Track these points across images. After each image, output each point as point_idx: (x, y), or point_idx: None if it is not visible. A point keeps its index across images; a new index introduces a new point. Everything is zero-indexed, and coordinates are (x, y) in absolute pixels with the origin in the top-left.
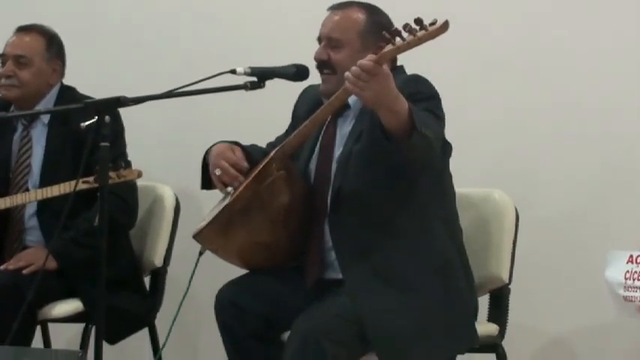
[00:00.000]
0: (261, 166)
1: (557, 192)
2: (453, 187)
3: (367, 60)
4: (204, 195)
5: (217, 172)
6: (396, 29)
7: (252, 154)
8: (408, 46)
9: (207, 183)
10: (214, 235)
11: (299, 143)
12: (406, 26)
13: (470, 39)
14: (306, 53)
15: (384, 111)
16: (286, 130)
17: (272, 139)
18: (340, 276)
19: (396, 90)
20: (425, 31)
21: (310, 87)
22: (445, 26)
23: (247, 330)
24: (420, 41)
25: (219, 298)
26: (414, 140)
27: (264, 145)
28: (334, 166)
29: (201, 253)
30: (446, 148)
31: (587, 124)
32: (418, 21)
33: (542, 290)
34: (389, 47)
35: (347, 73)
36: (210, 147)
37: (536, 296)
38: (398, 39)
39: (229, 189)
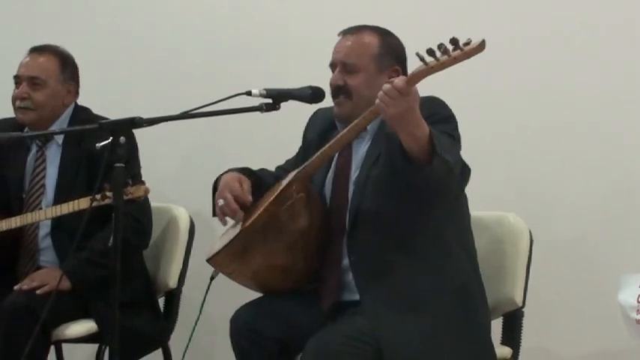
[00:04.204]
0: (280, 188)
1: (571, 215)
2: (468, 210)
3: (399, 79)
4: None
5: (220, 202)
6: (430, 49)
7: (263, 179)
8: (442, 66)
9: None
10: (229, 259)
11: (321, 164)
12: (440, 46)
13: (482, 62)
14: (315, 78)
15: (404, 133)
16: (297, 153)
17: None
18: (357, 297)
19: (420, 115)
20: (460, 51)
21: (321, 110)
22: (482, 46)
23: (263, 353)
24: (455, 61)
25: (235, 321)
26: (435, 165)
27: (273, 169)
28: (351, 188)
29: (212, 277)
30: (465, 171)
31: (600, 147)
32: (453, 41)
33: (555, 313)
34: (421, 67)
35: (380, 92)
36: (221, 175)
37: (549, 319)
38: (431, 59)
39: (228, 220)
